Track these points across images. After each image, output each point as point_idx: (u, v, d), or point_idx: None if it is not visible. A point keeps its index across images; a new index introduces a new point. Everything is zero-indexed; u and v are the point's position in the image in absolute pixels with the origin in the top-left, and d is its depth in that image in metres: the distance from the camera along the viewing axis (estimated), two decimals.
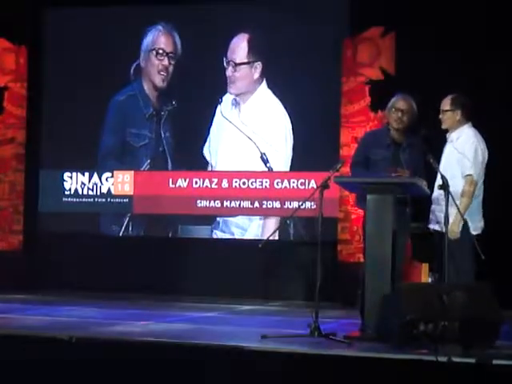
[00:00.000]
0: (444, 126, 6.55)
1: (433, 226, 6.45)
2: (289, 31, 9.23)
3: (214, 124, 9.54)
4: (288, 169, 9.31)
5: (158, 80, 9.73)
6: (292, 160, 9.29)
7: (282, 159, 9.33)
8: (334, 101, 9.07)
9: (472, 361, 4.98)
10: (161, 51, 9.74)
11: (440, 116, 6.54)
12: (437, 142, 6.61)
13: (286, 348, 5.47)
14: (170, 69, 9.71)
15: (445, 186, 6.03)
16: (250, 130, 9.42)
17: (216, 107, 9.51)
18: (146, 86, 9.77)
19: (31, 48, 10.07)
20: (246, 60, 9.45)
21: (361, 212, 7.77)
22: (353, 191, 7.62)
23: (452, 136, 6.51)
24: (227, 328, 6.83)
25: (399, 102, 6.50)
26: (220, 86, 9.48)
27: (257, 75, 9.40)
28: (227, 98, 9.51)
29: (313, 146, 9.12)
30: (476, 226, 6.35)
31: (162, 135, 9.68)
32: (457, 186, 6.28)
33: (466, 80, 7.98)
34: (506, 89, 8.29)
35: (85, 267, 9.51)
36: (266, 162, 9.34)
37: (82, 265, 9.52)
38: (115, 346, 5.59)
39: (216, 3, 9.46)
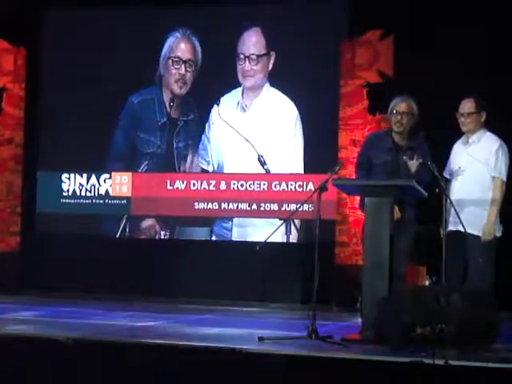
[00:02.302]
0: (465, 129, 6.50)
1: (452, 227, 6.39)
2: (287, 33, 9.23)
3: (211, 126, 9.55)
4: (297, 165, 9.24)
5: (176, 88, 9.66)
6: (291, 162, 9.28)
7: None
8: (332, 103, 9.07)
9: (469, 364, 4.98)
10: (177, 59, 9.66)
11: (462, 119, 6.48)
12: (437, 144, 6.61)
13: (283, 350, 5.47)
14: (188, 77, 9.63)
15: (443, 189, 6.04)
16: (255, 130, 9.39)
17: (210, 109, 9.51)
18: (165, 94, 9.70)
19: (30, 49, 10.06)
20: (264, 51, 9.38)
21: (359, 215, 7.79)
22: (350, 194, 7.62)
23: (473, 138, 6.49)
24: (224, 330, 6.82)
25: (398, 105, 6.47)
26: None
27: (271, 66, 9.35)
28: (227, 99, 9.49)
29: (311, 149, 9.12)
30: (498, 228, 6.42)
31: (174, 145, 9.65)
32: (486, 188, 6.30)
33: (465, 83, 7.97)
34: (507, 91, 8.28)
35: (82, 268, 9.48)
36: (263, 163, 9.33)
37: (80, 266, 9.50)
38: (113, 347, 5.59)
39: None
